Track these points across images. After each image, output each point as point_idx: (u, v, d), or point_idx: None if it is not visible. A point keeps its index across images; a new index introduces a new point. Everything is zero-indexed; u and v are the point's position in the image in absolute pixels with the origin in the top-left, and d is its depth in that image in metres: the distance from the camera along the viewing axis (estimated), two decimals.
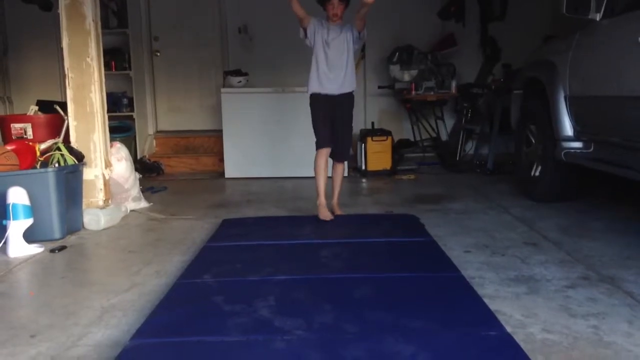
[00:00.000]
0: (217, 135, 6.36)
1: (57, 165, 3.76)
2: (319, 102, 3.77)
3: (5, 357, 2.07)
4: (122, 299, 2.60)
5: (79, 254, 3.45)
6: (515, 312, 2.32)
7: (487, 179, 5.55)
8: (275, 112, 5.88)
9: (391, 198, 4.85)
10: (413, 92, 6.27)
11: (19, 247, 3.32)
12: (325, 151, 3.76)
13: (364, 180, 5.74)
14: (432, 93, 6.28)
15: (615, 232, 3.46)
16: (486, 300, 2.33)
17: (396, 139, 6.37)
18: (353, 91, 3.84)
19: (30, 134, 4.33)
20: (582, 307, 2.37)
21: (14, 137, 4.30)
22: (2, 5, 6.82)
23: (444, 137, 6.70)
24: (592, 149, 3.77)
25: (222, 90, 6.06)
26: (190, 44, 6.97)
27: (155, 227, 4.00)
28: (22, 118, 4.47)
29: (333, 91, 3.74)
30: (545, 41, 5.18)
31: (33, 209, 3.41)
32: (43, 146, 3.90)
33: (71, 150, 3.93)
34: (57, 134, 4.15)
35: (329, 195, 3.84)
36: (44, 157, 3.82)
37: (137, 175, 4.65)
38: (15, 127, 4.36)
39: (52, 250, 3.40)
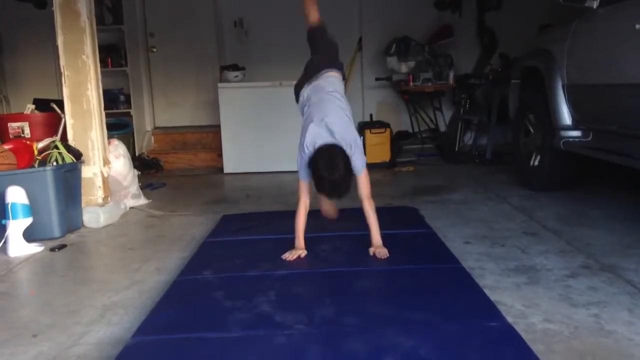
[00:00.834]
0: (215, 130, 6.35)
1: (55, 163, 3.76)
2: None
3: (7, 357, 2.07)
4: (123, 297, 2.60)
5: (79, 252, 3.45)
6: (516, 303, 2.32)
7: (486, 169, 5.54)
8: (272, 106, 5.86)
9: (390, 190, 4.84)
10: (411, 84, 6.26)
11: (18, 247, 3.32)
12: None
13: None
14: (429, 84, 6.27)
15: (615, 221, 3.46)
16: (486, 291, 2.33)
17: (395, 130, 6.37)
18: None
19: (27, 132, 4.31)
20: (582, 296, 2.37)
21: (11, 136, 4.28)
22: None
23: (442, 128, 6.69)
24: (590, 137, 3.77)
25: (219, 85, 6.05)
26: (185, 39, 6.95)
27: (155, 224, 4.00)
28: (19, 117, 4.45)
29: None
30: (543, 30, 5.17)
31: (32, 208, 3.41)
32: (41, 145, 3.89)
33: (69, 149, 3.93)
34: (55, 133, 4.14)
35: None
36: (41, 155, 3.81)
37: (136, 172, 4.64)
38: (13, 126, 4.34)
39: (52, 249, 3.40)
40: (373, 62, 6.86)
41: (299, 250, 2.83)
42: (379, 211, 3.70)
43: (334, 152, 2.66)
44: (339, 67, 3.21)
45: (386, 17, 6.64)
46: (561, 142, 3.90)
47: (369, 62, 6.91)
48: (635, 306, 2.24)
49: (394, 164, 5.87)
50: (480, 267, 2.77)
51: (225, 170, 5.95)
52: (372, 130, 5.91)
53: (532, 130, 4.45)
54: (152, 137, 6.95)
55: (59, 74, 4.20)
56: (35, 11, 6.12)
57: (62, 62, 4.08)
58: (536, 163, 4.36)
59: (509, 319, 2.06)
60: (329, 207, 3.34)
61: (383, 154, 5.87)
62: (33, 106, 4.50)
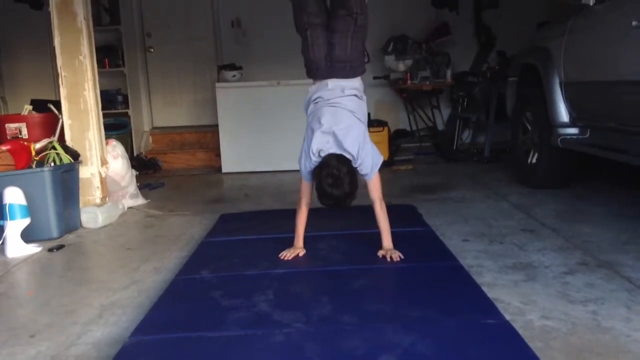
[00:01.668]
0: (213, 130, 6.35)
1: (52, 164, 3.75)
2: None
3: (5, 357, 2.07)
4: (121, 297, 2.60)
5: (77, 252, 3.45)
6: (514, 300, 2.32)
7: (484, 167, 5.55)
8: (270, 105, 5.87)
9: (389, 188, 4.82)
10: (408, 82, 6.26)
11: (17, 247, 3.32)
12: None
13: None
14: (427, 82, 6.26)
15: (612, 217, 3.46)
16: (485, 289, 2.33)
17: (393, 129, 6.37)
18: None
19: (25, 133, 4.31)
20: (580, 293, 2.37)
21: (8, 137, 4.27)
22: None
23: (440, 126, 6.69)
24: (588, 134, 3.78)
25: (217, 84, 6.05)
26: (183, 39, 6.94)
27: (153, 224, 3.99)
28: (17, 118, 4.44)
29: None
30: (540, 27, 5.17)
31: (30, 209, 3.41)
32: (38, 145, 3.88)
33: (66, 149, 3.92)
34: (52, 133, 4.13)
35: None
36: (39, 156, 3.81)
37: (134, 172, 4.64)
38: (10, 127, 4.34)
39: (50, 250, 3.40)
40: (370, 61, 6.84)
41: (298, 249, 2.82)
42: None
43: (339, 167, 2.53)
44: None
45: (383, 16, 6.62)
46: (559, 140, 3.91)
47: None
48: (633, 302, 2.25)
49: (392, 163, 5.86)
50: (478, 264, 2.77)
51: (224, 170, 5.95)
52: (370, 129, 5.80)
53: (529, 128, 4.46)
54: (150, 137, 6.94)
55: (56, 75, 4.21)
56: (32, 12, 6.12)
57: (59, 62, 4.07)
58: (534, 160, 4.36)
59: (507, 316, 2.06)
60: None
61: (381, 153, 5.84)
62: (30, 107, 4.50)
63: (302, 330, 2.00)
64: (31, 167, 3.74)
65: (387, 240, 2.75)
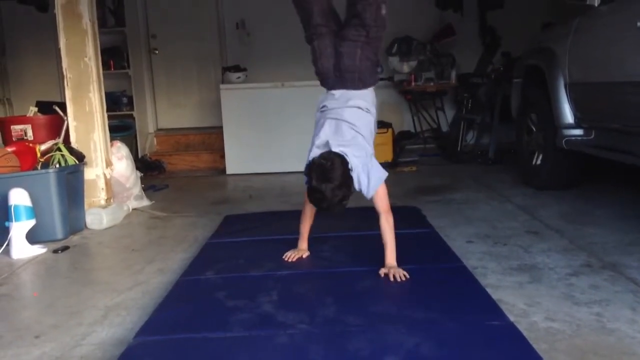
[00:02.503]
0: (217, 131, 6.35)
1: (57, 165, 3.77)
2: None
3: (10, 358, 2.08)
4: (126, 298, 2.61)
5: (81, 253, 3.46)
6: (518, 301, 2.32)
7: (489, 168, 5.54)
8: (275, 107, 5.87)
9: (392, 190, 4.77)
10: (413, 83, 6.26)
11: (22, 248, 3.33)
12: None
13: None
14: (431, 84, 6.27)
15: (617, 219, 3.45)
16: (489, 290, 2.33)
17: (397, 130, 6.36)
18: None
19: (30, 135, 4.33)
20: (585, 294, 2.36)
21: (14, 139, 4.30)
22: None
23: (444, 127, 6.69)
24: (593, 135, 3.76)
25: (221, 86, 6.06)
26: (187, 40, 6.97)
27: (158, 225, 4.00)
28: (22, 119, 4.47)
29: None
30: (545, 28, 5.16)
31: (35, 210, 3.42)
32: (43, 147, 3.90)
33: (71, 151, 3.94)
34: (57, 135, 4.15)
35: None
36: (44, 158, 3.82)
37: (139, 174, 4.65)
38: (15, 128, 4.36)
39: (55, 251, 3.41)
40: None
41: (301, 251, 2.81)
42: None
43: (331, 158, 2.39)
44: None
45: (387, 17, 6.63)
46: (563, 141, 3.90)
47: None
48: (638, 304, 2.24)
49: (396, 164, 5.86)
50: (482, 266, 2.76)
51: (228, 172, 5.96)
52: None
53: (534, 129, 4.45)
54: (155, 139, 6.96)
55: (61, 77, 4.22)
56: (38, 14, 6.15)
57: (64, 64, 4.09)
58: (538, 162, 4.35)
59: (512, 318, 2.05)
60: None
61: (385, 154, 5.86)
62: (36, 109, 4.52)
63: (306, 331, 1.99)
64: (36, 168, 3.76)
65: (390, 258, 2.54)
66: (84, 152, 4.06)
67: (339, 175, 2.36)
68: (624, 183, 4.36)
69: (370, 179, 2.51)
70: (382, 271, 2.51)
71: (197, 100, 7.14)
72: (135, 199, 4.49)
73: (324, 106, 2.66)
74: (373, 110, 2.69)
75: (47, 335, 2.25)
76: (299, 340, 1.94)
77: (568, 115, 3.92)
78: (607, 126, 3.61)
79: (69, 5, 4.02)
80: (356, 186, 2.49)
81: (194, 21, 6.98)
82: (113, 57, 6.45)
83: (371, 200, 2.58)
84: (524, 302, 2.31)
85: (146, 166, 6.05)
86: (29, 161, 3.78)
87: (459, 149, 6.24)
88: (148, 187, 5.05)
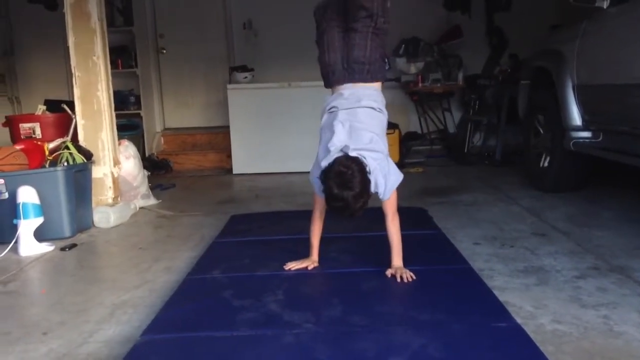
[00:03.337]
0: (224, 131, 6.37)
1: (66, 164, 3.79)
2: None
3: (18, 355, 2.09)
4: (133, 296, 2.62)
5: (89, 251, 3.47)
6: (525, 304, 2.31)
7: (496, 170, 5.53)
8: (281, 107, 5.88)
9: (399, 191, 4.77)
10: (420, 85, 6.25)
11: (29, 246, 3.35)
12: None
13: None
14: (438, 85, 6.26)
15: (624, 222, 3.44)
16: (496, 292, 2.32)
17: (404, 131, 6.36)
18: None
19: (38, 133, 4.35)
20: (592, 297, 2.36)
21: (22, 137, 4.32)
22: (8, 5, 6.86)
23: (451, 129, 6.68)
24: (600, 138, 3.75)
25: (228, 86, 6.07)
26: (195, 40, 6.99)
27: (165, 224, 4.02)
28: (31, 118, 4.49)
29: None
30: (552, 30, 5.14)
31: (43, 208, 3.44)
32: (52, 145, 3.92)
33: (79, 149, 3.96)
34: (66, 133, 4.17)
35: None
36: (52, 156, 3.84)
37: (146, 173, 4.67)
38: (24, 126, 4.38)
39: (63, 249, 3.42)
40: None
41: (310, 262, 2.67)
42: None
43: (348, 164, 2.32)
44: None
45: (395, 18, 6.57)
46: (571, 143, 3.88)
47: None
48: None
49: (402, 165, 5.85)
50: (489, 268, 2.76)
51: (235, 171, 5.97)
52: None
53: (541, 131, 4.43)
54: (162, 138, 6.98)
55: (69, 75, 4.24)
56: (47, 12, 6.18)
57: (73, 63, 4.11)
58: (546, 164, 4.34)
59: (519, 320, 2.05)
60: None
61: (392, 155, 5.72)
62: (44, 107, 4.54)
63: (312, 331, 2.00)
64: (44, 166, 3.77)
65: (397, 259, 2.53)
66: (92, 151, 4.08)
67: (359, 182, 2.31)
68: (631, 185, 4.34)
69: (387, 181, 2.48)
70: (389, 272, 2.50)
71: (204, 100, 7.16)
72: (142, 197, 4.51)
73: (332, 107, 2.58)
74: (384, 110, 2.64)
75: (55, 332, 2.26)
76: (304, 340, 1.94)
77: (576, 118, 3.90)
78: (615, 129, 3.59)
79: (78, 4, 4.04)
80: (372, 188, 2.44)
81: (202, 21, 7.00)
82: (121, 56, 6.48)
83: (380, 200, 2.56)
84: (531, 304, 2.31)
85: (153, 165, 6.08)
86: (37, 159, 3.80)
87: (465, 150, 6.23)
88: (155, 186, 5.06)
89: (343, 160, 2.35)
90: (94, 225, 3.95)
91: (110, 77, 4.23)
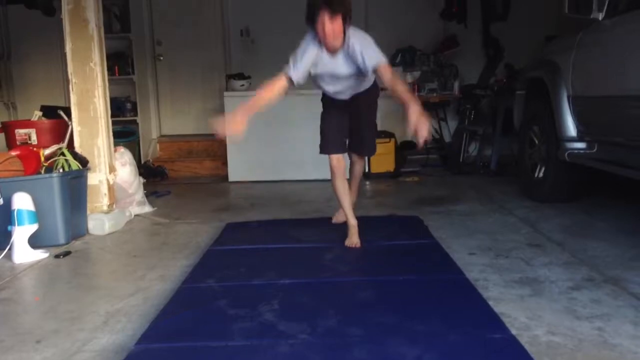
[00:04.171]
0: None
1: (61, 170, 3.78)
2: (330, 101, 3.29)
3: None
4: (127, 304, 2.60)
5: (83, 259, 3.46)
6: (520, 315, 2.31)
7: (491, 180, 5.54)
8: (278, 115, 5.84)
9: (394, 200, 4.84)
10: (416, 94, 6.27)
11: (24, 253, 3.33)
12: (336, 159, 3.16)
13: (367, 182, 5.74)
14: (434, 94, 6.28)
15: (619, 233, 3.45)
16: (490, 303, 2.33)
17: (399, 140, 6.37)
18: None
19: (34, 139, 4.34)
20: (586, 308, 2.36)
21: (18, 143, 4.31)
22: (6, 11, 6.85)
23: (447, 138, 6.69)
24: (595, 149, 3.77)
25: (225, 94, 6.07)
26: (192, 47, 6.99)
27: (160, 232, 4.01)
28: (26, 123, 4.48)
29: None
30: (548, 41, 5.18)
31: (38, 215, 3.43)
32: (47, 151, 3.91)
33: (75, 156, 3.95)
34: (61, 139, 4.16)
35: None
36: (48, 162, 3.83)
37: (141, 180, 4.66)
38: (20, 132, 4.37)
39: (57, 256, 3.41)
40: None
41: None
42: (382, 220, 3.70)
43: None
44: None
45: (391, 28, 6.67)
46: (566, 154, 3.90)
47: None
48: None
49: (398, 174, 5.87)
50: (484, 278, 2.76)
51: (230, 179, 5.97)
52: (377, 140, 5.88)
53: (536, 142, 4.45)
54: (158, 145, 6.98)
55: (66, 81, 4.24)
56: (44, 18, 6.17)
57: (70, 69, 4.11)
58: (541, 174, 4.35)
59: (513, 331, 2.06)
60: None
61: (387, 164, 5.88)
62: (40, 113, 4.54)
63: (307, 341, 1.99)
64: (40, 173, 3.76)
65: (413, 105, 2.51)
66: (88, 157, 4.07)
67: None
68: (626, 197, 4.36)
69: (377, 52, 2.80)
70: (412, 123, 2.45)
71: (200, 107, 7.16)
72: (137, 204, 4.50)
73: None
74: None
75: (48, 340, 2.24)
76: (300, 350, 1.94)
77: (571, 128, 3.93)
78: (610, 140, 3.61)
79: (76, 10, 4.04)
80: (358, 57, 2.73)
81: (199, 28, 7.01)
82: (118, 63, 6.49)
83: (375, 72, 2.83)
84: (526, 315, 2.31)
85: (149, 172, 6.06)
86: (32, 165, 3.79)
87: (461, 160, 6.25)
88: (150, 193, 5.05)
89: None
90: (88, 233, 3.93)
91: (107, 84, 4.23)
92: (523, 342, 1.97)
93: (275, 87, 2.82)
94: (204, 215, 4.43)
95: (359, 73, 2.92)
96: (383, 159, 5.86)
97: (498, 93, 5.99)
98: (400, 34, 6.60)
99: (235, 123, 2.71)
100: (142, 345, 2.00)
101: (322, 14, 2.68)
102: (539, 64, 4.42)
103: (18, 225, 3.33)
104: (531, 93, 4.54)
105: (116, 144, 4.46)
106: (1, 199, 3.47)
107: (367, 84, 3.17)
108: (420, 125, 2.42)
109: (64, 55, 4.18)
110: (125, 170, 4.38)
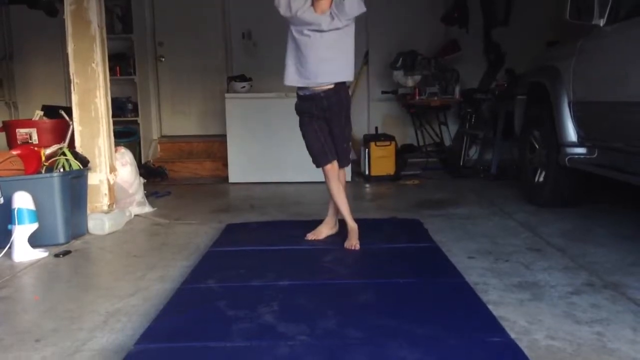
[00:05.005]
0: (221, 140, 6.37)
1: (62, 170, 3.78)
2: (304, 109, 3.50)
3: None
4: (127, 304, 2.61)
5: (83, 258, 3.46)
6: (519, 319, 2.32)
7: (491, 184, 5.54)
8: (278, 117, 5.88)
9: (395, 203, 4.84)
10: (417, 97, 6.28)
11: (23, 252, 3.34)
12: (330, 167, 3.27)
13: (367, 185, 5.75)
14: (435, 98, 6.28)
15: (619, 238, 3.45)
16: (490, 307, 2.33)
17: (400, 144, 6.38)
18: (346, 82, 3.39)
19: (35, 138, 4.35)
20: (586, 313, 2.36)
21: (19, 142, 4.32)
22: (8, 11, 6.86)
23: (447, 142, 6.70)
24: (596, 154, 3.78)
25: (226, 95, 6.08)
26: (194, 49, 7.00)
27: (160, 232, 4.01)
28: (28, 123, 4.49)
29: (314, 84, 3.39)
30: (549, 46, 5.19)
31: (38, 214, 3.43)
32: (48, 151, 3.91)
33: (76, 155, 3.95)
34: (62, 139, 4.16)
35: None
36: (49, 162, 3.84)
37: (142, 180, 4.66)
38: (21, 132, 4.38)
39: (57, 255, 3.41)
40: (379, 76, 6.89)
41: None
42: (382, 223, 3.69)
43: None
44: None
45: (393, 32, 6.68)
46: (566, 159, 3.91)
47: (376, 76, 6.93)
48: (639, 324, 2.24)
49: (398, 177, 5.87)
50: (484, 282, 2.76)
51: (231, 180, 5.97)
52: (377, 143, 5.92)
53: (537, 146, 4.46)
54: (158, 146, 6.98)
55: (68, 81, 4.24)
56: (47, 19, 6.16)
57: (71, 69, 4.11)
58: (541, 179, 4.36)
59: (512, 335, 2.06)
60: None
61: (388, 167, 5.88)
62: (41, 112, 4.54)
63: (306, 342, 2.00)
64: (41, 172, 3.76)
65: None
66: (89, 157, 4.07)
67: None
68: (626, 202, 4.36)
69: None
70: None
71: (201, 108, 7.17)
72: (137, 205, 4.50)
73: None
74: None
75: (48, 339, 2.24)
76: (299, 351, 1.94)
77: (571, 134, 3.93)
78: (610, 145, 3.62)
79: (79, 11, 4.05)
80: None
81: (201, 30, 7.02)
82: (120, 63, 6.49)
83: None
84: (525, 319, 2.31)
85: (149, 172, 6.06)
86: (33, 165, 3.79)
87: (461, 163, 6.26)
88: (150, 194, 5.05)
89: None
90: (88, 232, 3.93)
91: (108, 85, 4.23)
92: (522, 346, 1.97)
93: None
94: (203, 216, 4.43)
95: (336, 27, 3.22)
96: (383, 161, 5.87)
97: (499, 97, 6.00)
98: (402, 37, 6.61)
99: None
100: (141, 345, 2.00)
101: None
102: (540, 69, 4.42)
103: (18, 224, 3.33)
104: (532, 98, 4.55)
105: (117, 144, 4.47)
106: (2, 197, 3.47)
107: (337, 63, 3.39)
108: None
109: (65, 55, 4.19)
110: (125, 171, 4.38)
